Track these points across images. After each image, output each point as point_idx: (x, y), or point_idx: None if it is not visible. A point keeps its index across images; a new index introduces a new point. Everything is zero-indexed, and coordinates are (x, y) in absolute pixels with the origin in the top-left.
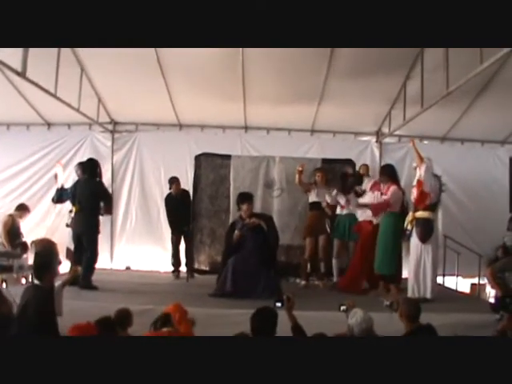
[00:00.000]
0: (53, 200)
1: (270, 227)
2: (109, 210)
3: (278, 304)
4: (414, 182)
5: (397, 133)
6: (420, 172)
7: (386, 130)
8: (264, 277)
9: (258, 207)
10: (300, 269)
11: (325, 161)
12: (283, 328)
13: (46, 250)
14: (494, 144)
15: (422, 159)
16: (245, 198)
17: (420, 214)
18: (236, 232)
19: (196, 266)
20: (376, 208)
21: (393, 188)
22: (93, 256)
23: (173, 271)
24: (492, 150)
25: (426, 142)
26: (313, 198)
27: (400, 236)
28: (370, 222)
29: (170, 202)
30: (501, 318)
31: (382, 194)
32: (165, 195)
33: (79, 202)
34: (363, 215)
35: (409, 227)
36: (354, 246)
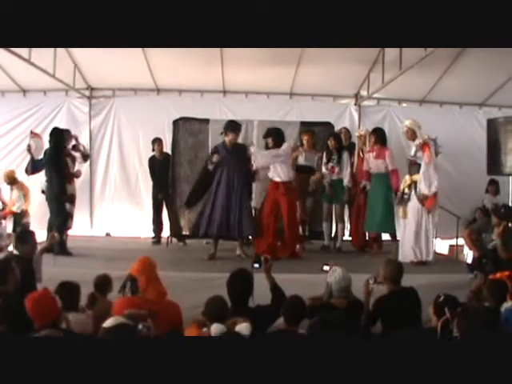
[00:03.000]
0: (26, 172)
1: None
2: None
3: (256, 265)
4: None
5: (375, 96)
6: (424, 160)
7: (364, 92)
8: (246, 214)
9: None
10: None
11: (303, 124)
12: (261, 289)
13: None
14: (472, 106)
15: (427, 145)
16: (234, 127)
17: (417, 177)
18: (215, 156)
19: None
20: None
21: (389, 152)
22: (57, 222)
23: (153, 237)
24: (470, 112)
25: (404, 104)
26: (300, 161)
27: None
28: (291, 181)
29: (153, 164)
30: (474, 277)
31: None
32: (144, 160)
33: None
34: (283, 174)
35: (406, 190)
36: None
